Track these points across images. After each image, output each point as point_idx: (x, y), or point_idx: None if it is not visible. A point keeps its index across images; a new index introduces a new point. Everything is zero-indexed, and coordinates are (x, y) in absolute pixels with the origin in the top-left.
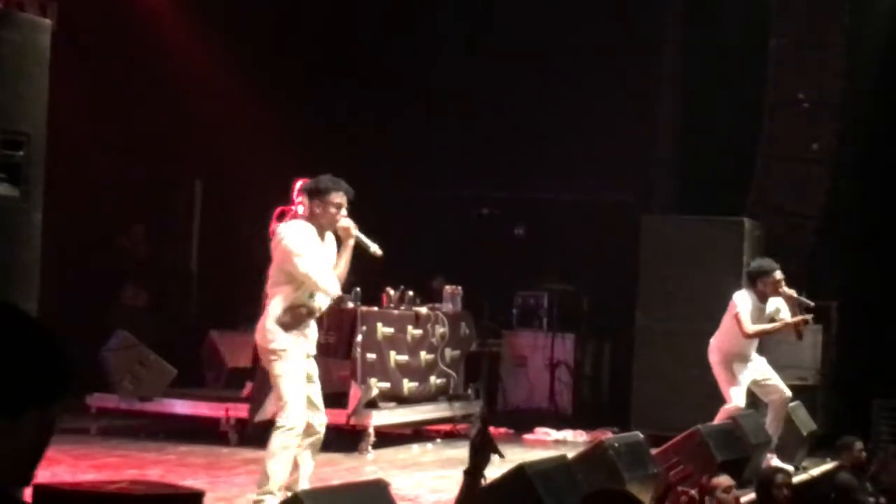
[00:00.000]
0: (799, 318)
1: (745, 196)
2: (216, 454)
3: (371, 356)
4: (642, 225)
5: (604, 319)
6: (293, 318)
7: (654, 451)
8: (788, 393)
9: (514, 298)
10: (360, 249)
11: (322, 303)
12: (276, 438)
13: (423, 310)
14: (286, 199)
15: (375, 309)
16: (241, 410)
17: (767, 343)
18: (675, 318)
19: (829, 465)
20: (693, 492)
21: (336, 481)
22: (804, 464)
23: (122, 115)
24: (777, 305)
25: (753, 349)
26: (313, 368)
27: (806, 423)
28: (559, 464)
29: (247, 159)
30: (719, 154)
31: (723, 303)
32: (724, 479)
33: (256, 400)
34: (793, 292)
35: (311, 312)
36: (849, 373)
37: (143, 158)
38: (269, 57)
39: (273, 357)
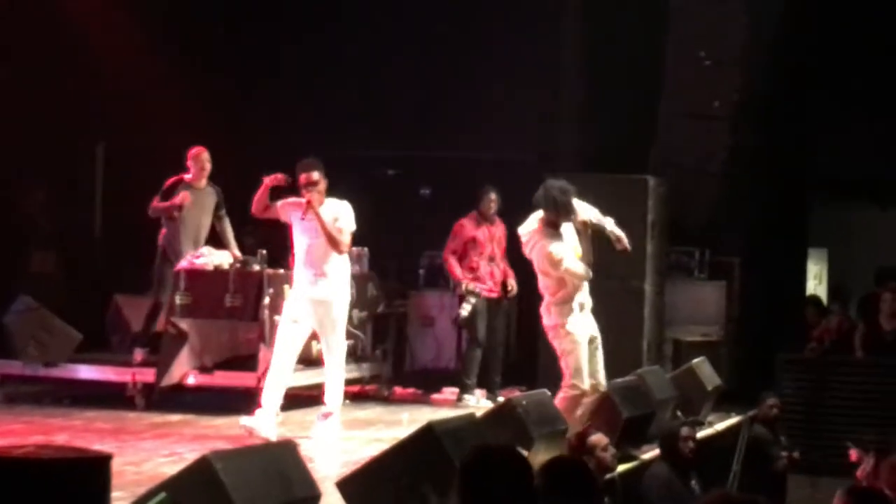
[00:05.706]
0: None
1: (649, 154)
2: (123, 419)
3: (279, 318)
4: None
5: None
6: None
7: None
8: None
9: (420, 259)
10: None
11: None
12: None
13: None
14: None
15: (282, 271)
16: (147, 375)
17: (672, 300)
18: None
19: (733, 420)
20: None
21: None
22: (709, 418)
23: (22, 77)
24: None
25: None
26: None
27: (710, 378)
28: (467, 422)
29: (149, 124)
30: (623, 112)
31: (628, 262)
32: (600, 438)
33: (163, 364)
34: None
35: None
36: (752, 327)
37: (44, 121)
38: (174, 21)
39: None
